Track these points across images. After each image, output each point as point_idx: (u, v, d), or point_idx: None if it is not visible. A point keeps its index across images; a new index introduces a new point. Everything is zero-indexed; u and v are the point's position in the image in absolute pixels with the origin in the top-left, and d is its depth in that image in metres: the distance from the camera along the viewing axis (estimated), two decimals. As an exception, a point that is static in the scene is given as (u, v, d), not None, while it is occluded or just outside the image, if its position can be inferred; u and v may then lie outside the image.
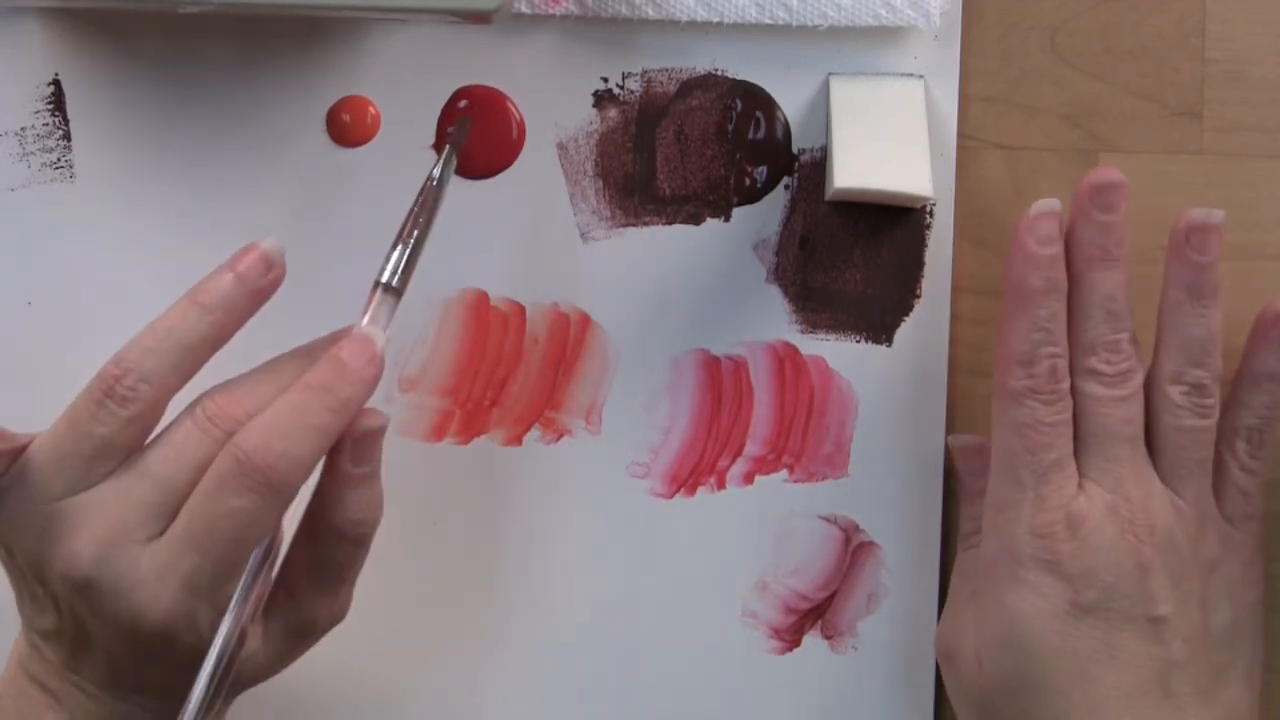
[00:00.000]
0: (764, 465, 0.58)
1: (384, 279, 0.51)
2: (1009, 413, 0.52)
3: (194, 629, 0.48)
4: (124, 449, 0.49)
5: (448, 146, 0.54)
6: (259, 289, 0.50)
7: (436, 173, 0.53)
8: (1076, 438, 0.52)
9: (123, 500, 0.48)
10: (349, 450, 0.50)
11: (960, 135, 0.57)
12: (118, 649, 0.49)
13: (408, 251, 0.51)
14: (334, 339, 0.51)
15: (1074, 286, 0.52)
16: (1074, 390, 0.52)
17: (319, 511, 0.51)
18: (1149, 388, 0.53)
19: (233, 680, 0.49)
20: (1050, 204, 0.52)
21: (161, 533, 0.48)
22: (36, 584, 0.49)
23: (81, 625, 0.49)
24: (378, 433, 0.50)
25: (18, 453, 0.49)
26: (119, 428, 0.49)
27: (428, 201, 0.52)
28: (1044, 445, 0.52)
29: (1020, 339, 0.52)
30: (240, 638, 0.48)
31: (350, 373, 0.49)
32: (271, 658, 0.52)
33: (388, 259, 0.51)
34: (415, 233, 0.52)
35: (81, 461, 0.49)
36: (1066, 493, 0.51)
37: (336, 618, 0.52)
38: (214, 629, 0.48)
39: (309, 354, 0.51)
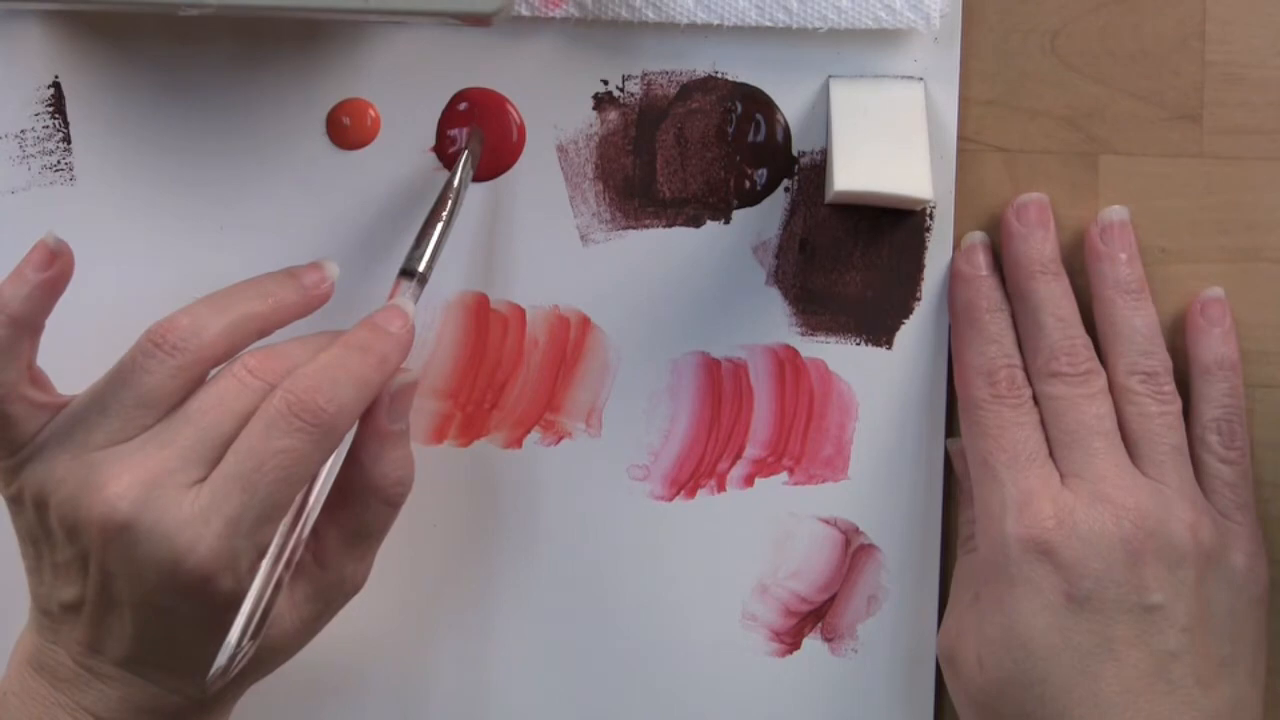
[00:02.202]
0: (764, 468, 0.58)
1: (407, 266, 0.53)
2: (978, 420, 0.54)
3: (234, 571, 0.48)
4: (167, 401, 0.49)
5: (466, 153, 0.55)
6: (312, 297, 0.53)
7: (456, 178, 0.54)
8: (1051, 440, 0.54)
9: (165, 447, 0.48)
10: (386, 406, 0.51)
11: (960, 137, 0.57)
12: (148, 608, 0.48)
13: (431, 243, 0.53)
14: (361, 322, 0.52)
15: (1020, 303, 0.55)
16: (1040, 397, 0.54)
17: (355, 473, 0.51)
18: (1109, 390, 0.54)
19: (260, 648, 0.50)
20: (979, 235, 0.56)
21: (203, 479, 0.48)
22: (66, 543, 0.49)
23: (109, 588, 0.48)
24: (411, 387, 0.52)
25: (59, 407, 0.50)
26: (165, 378, 0.49)
27: (448, 198, 0.54)
28: (1017, 441, 0.53)
29: (976, 354, 0.55)
30: (276, 585, 0.49)
31: (386, 334, 0.51)
32: (297, 625, 0.52)
33: (412, 251, 0.53)
34: (440, 226, 0.54)
35: (124, 410, 0.49)
36: (1050, 486, 0.52)
37: (359, 584, 0.53)
38: (252, 573, 0.48)
39: (336, 333, 0.52)
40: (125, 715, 0.50)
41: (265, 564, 0.49)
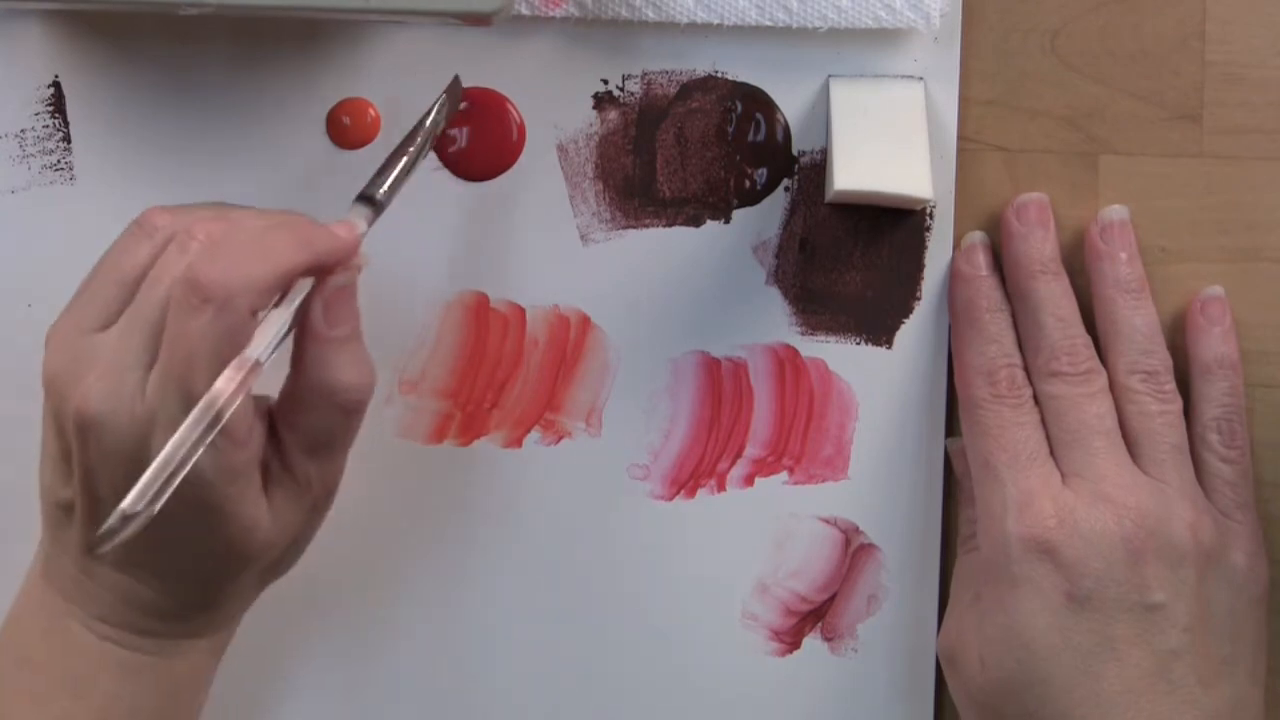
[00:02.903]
0: (764, 467, 0.58)
1: (365, 192, 0.51)
2: (978, 420, 0.54)
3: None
4: (139, 281, 0.49)
5: (445, 94, 0.54)
6: (331, 264, 0.50)
7: (430, 115, 0.53)
8: (1052, 439, 0.54)
9: (128, 335, 0.48)
10: (321, 312, 0.49)
11: (960, 137, 0.57)
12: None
13: (392, 173, 0.52)
14: None
15: (1020, 302, 0.55)
16: (1041, 397, 0.54)
17: (300, 379, 0.49)
18: (1110, 389, 0.54)
19: (251, 560, 0.49)
20: (979, 235, 0.56)
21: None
22: (58, 436, 0.49)
23: (92, 485, 0.48)
24: (346, 291, 0.49)
25: None
26: (142, 263, 0.49)
27: (417, 134, 0.53)
28: (1018, 441, 0.53)
29: (976, 354, 0.55)
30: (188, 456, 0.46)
31: (318, 225, 0.49)
32: (282, 532, 0.50)
33: (373, 178, 0.52)
34: (403, 160, 0.52)
35: (108, 293, 0.49)
36: (1051, 485, 0.52)
37: (331, 489, 0.52)
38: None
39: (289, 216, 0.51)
40: (127, 617, 0.50)
41: (177, 434, 0.46)
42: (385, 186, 0.51)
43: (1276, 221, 0.56)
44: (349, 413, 0.50)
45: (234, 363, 0.47)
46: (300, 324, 0.49)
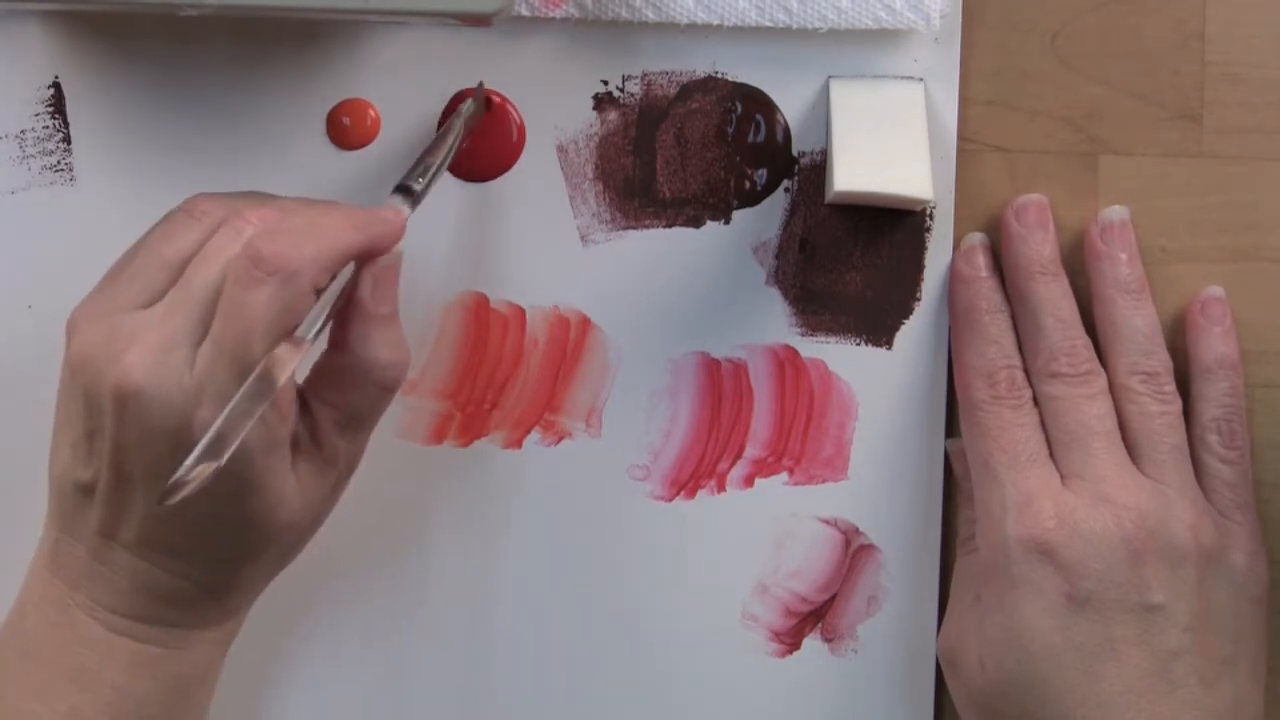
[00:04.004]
0: (764, 468, 0.58)
1: (404, 183, 0.53)
2: (978, 421, 0.54)
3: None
4: (186, 263, 0.50)
5: (472, 101, 0.55)
6: (381, 247, 0.51)
7: (465, 111, 0.55)
8: (1052, 440, 0.54)
9: (174, 310, 0.48)
10: (369, 285, 0.50)
11: (960, 138, 0.57)
12: (160, 481, 0.47)
13: (431, 169, 0.53)
14: None
15: (1020, 303, 0.55)
16: (1040, 398, 0.54)
17: (344, 355, 0.51)
18: (1109, 390, 0.54)
19: (273, 540, 0.50)
20: (978, 236, 0.56)
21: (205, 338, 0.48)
22: (86, 415, 0.49)
23: (122, 463, 0.48)
24: (394, 269, 0.51)
25: None
26: (189, 246, 0.50)
27: (452, 130, 0.54)
28: (1017, 442, 0.53)
29: (976, 355, 0.55)
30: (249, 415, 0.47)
31: (369, 209, 0.51)
32: (305, 509, 0.51)
33: (410, 170, 0.53)
34: (442, 156, 0.54)
35: (151, 274, 0.49)
36: (1050, 486, 0.52)
37: (354, 465, 0.53)
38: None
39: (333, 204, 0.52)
40: (139, 605, 0.50)
41: (244, 389, 0.47)
42: (425, 179, 0.53)
43: (1276, 221, 0.56)
44: (385, 389, 0.51)
45: (285, 340, 0.48)
46: (344, 303, 0.50)
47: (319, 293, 0.49)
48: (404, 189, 0.52)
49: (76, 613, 0.50)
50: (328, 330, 0.51)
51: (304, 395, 0.51)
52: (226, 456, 0.46)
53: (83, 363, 0.49)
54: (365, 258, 0.50)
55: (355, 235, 0.49)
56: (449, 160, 0.54)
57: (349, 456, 0.52)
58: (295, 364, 0.48)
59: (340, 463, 0.52)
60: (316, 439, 0.51)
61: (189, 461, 0.45)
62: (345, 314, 0.50)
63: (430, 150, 0.54)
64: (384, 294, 0.51)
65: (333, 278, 0.49)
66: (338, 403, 0.51)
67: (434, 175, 0.53)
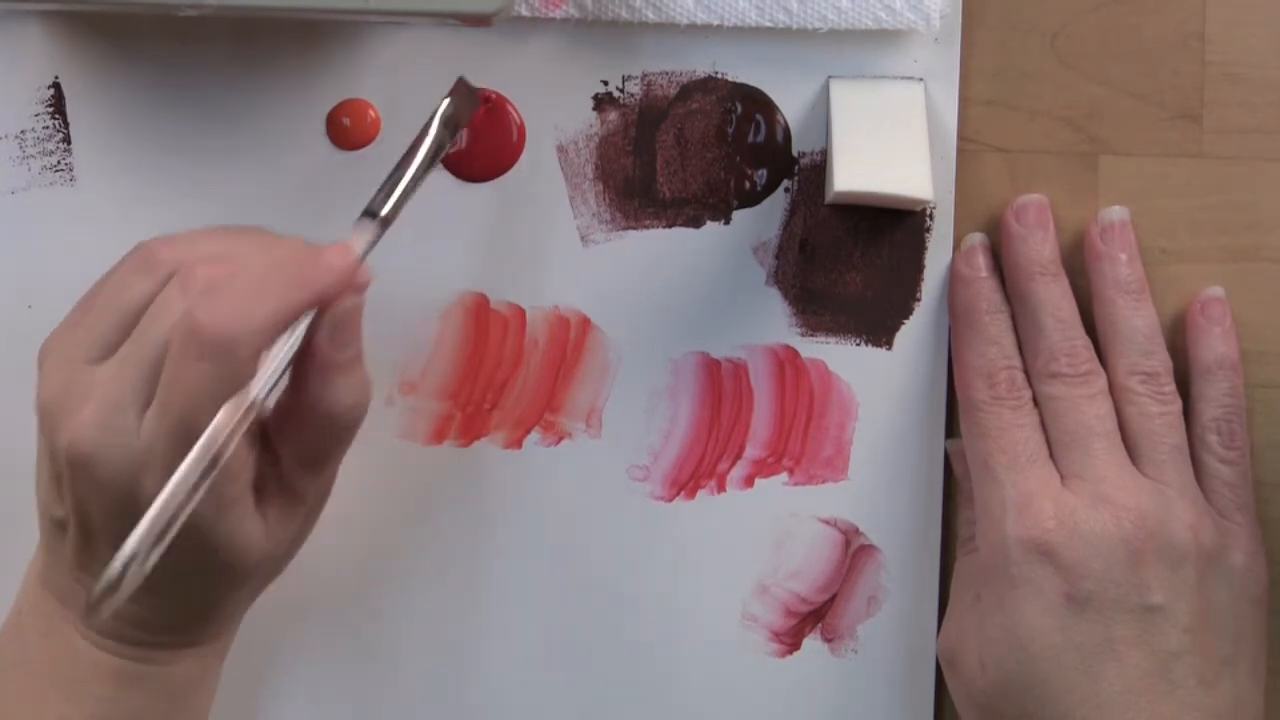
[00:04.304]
0: (764, 468, 0.58)
1: (369, 207, 0.50)
2: (978, 422, 0.54)
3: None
4: (139, 314, 0.48)
5: (447, 100, 0.53)
6: (331, 296, 0.49)
7: (436, 118, 0.52)
8: (1052, 441, 0.54)
9: (124, 368, 0.47)
10: (328, 334, 0.48)
11: (960, 138, 0.57)
12: (121, 536, 0.47)
13: (398, 185, 0.51)
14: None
15: (1020, 304, 0.55)
16: (1040, 398, 0.54)
17: (304, 399, 0.49)
18: (1109, 390, 0.54)
19: (249, 576, 0.49)
20: (978, 236, 0.56)
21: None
22: (51, 460, 0.49)
23: (84, 514, 0.48)
24: (354, 313, 0.49)
25: None
26: (141, 298, 0.48)
27: (421, 141, 0.52)
28: (1017, 442, 0.53)
29: (976, 355, 0.55)
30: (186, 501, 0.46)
31: (317, 260, 0.48)
32: (278, 545, 0.50)
33: (377, 193, 0.51)
34: (408, 172, 0.51)
35: (105, 325, 0.48)
36: (1050, 486, 0.52)
37: (326, 494, 0.52)
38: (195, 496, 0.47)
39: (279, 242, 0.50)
40: (121, 630, 0.50)
41: (173, 482, 0.46)
42: (391, 202, 0.50)
43: (1276, 222, 0.56)
44: (349, 429, 0.50)
45: (232, 401, 0.46)
46: (303, 348, 0.48)
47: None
48: (370, 214, 0.50)
49: (65, 626, 0.50)
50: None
51: (265, 432, 0.50)
52: (150, 564, 0.45)
53: (43, 413, 0.49)
54: (321, 306, 0.48)
55: (301, 294, 0.47)
56: (430, 167, 0.52)
57: (317, 491, 0.51)
58: (244, 428, 0.47)
59: (309, 497, 0.51)
60: (281, 478, 0.50)
61: (111, 573, 0.44)
62: (304, 360, 0.48)
63: (399, 164, 0.51)
64: (344, 339, 0.49)
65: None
66: (299, 443, 0.50)
67: (407, 191, 0.51)
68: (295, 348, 0.48)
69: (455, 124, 0.53)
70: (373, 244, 0.50)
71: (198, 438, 0.46)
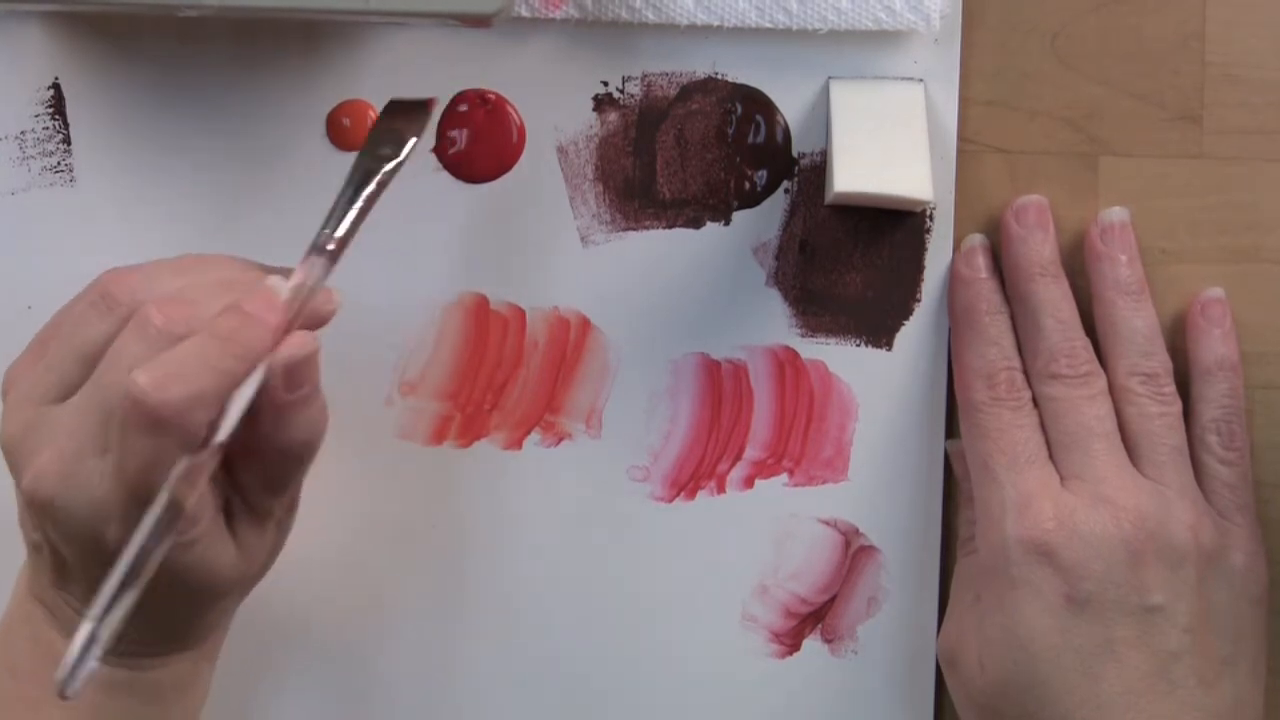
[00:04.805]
0: (764, 469, 0.58)
1: (315, 240, 0.49)
2: (977, 423, 0.54)
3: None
4: (98, 355, 0.48)
5: (379, 121, 0.52)
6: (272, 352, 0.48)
7: (386, 152, 0.51)
8: (1051, 441, 0.54)
9: (84, 414, 0.47)
10: (281, 380, 0.48)
11: (960, 138, 0.57)
12: (91, 569, 0.47)
13: (342, 217, 0.50)
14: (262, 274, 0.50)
15: (1020, 305, 0.55)
16: (1040, 399, 0.54)
17: (262, 432, 0.48)
18: (1109, 391, 0.54)
19: (225, 594, 0.50)
20: (978, 237, 0.56)
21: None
22: (19, 492, 0.49)
23: (53, 544, 0.48)
24: (309, 359, 0.48)
25: None
26: (99, 338, 0.48)
27: (360, 172, 0.50)
28: (1017, 443, 0.53)
29: (976, 356, 0.55)
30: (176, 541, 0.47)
31: (255, 322, 0.47)
32: (252, 561, 0.50)
33: (323, 225, 0.50)
34: (351, 203, 0.50)
35: (65, 365, 0.48)
36: (1050, 487, 0.52)
37: (295, 507, 0.52)
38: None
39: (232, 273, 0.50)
40: (109, 643, 0.48)
41: (146, 525, 0.46)
42: (339, 235, 0.49)
43: (1277, 222, 0.56)
44: (304, 458, 0.50)
45: (187, 458, 0.46)
46: (258, 388, 0.48)
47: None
48: (316, 248, 0.49)
49: (53, 633, 0.50)
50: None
51: (226, 459, 0.49)
52: (107, 635, 0.45)
53: (6, 449, 0.49)
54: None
55: (243, 365, 0.47)
56: (378, 194, 0.50)
57: (283, 507, 0.51)
58: (203, 479, 0.47)
59: (275, 512, 0.51)
60: (247, 500, 0.50)
61: (68, 662, 0.45)
62: (259, 396, 0.48)
63: (341, 193, 0.50)
64: (298, 382, 0.48)
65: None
66: (258, 471, 0.49)
67: (355, 223, 0.50)
68: (250, 397, 0.47)
69: (396, 140, 0.51)
70: (322, 279, 0.49)
71: (155, 492, 0.46)
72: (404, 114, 0.52)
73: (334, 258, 0.49)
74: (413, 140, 0.51)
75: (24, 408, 0.49)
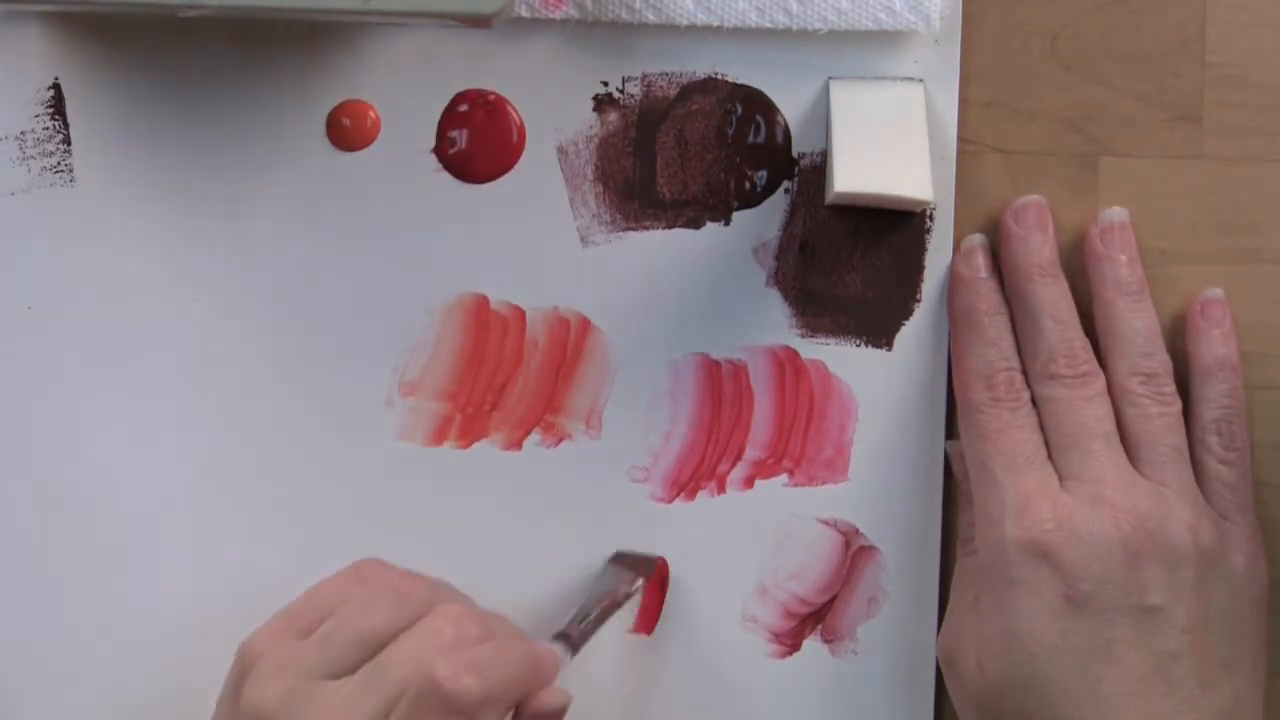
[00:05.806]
0: (764, 469, 0.58)
1: (564, 630, 0.54)
2: (976, 424, 0.54)
3: None
4: (380, 644, 0.49)
5: (640, 580, 0.57)
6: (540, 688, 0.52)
7: (638, 585, 0.56)
8: (1050, 442, 0.54)
9: (360, 699, 0.48)
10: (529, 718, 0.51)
11: (960, 139, 0.57)
12: None
13: (590, 616, 0.55)
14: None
15: (1019, 305, 0.55)
16: (1039, 400, 0.54)
17: None
18: (1109, 391, 0.54)
19: None
20: (978, 238, 0.56)
21: None
22: None
23: None
24: (558, 712, 0.51)
25: None
26: (386, 628, 0.50)
27: (613, 600, 0.56)
28: (1016, 444, 0.53)
29: (975, 358, 0.55)
30: None
31: (541, 650, 0.52)
32: None
33: (570, 619, 0.55)
34: (600, 609, 0.55)
35: (344, 647, 0.49)
36: (1049, 488, 0.52)
37: None
38: None
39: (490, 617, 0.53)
40: None
41: None
42: (582, 627, 0.54)
43: (1277, 223, 0.56)
44: None
45: None
46: None
47: None
48: (563, 636, 0.53)
49: None
50: None
51: None
52: None
53: (258, 717, 0.49)
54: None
55: (533, 678, 0.50)
56: (609, 613, 0.55)
57: None
58: None
59: None
60: None
61: None
62: None
63: (589, 601, 0.55)
64: None
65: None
66: None
67: (595, 624, 0.54)
68: None
69: (630, 580, 0.56)
70: (568, 663, 0.53)
71: None
72: (631, 562, 0.57)
73: (574, 650, 0.53)
74: (642, 580, 0.56)
75: (284, 678, 0.49)
